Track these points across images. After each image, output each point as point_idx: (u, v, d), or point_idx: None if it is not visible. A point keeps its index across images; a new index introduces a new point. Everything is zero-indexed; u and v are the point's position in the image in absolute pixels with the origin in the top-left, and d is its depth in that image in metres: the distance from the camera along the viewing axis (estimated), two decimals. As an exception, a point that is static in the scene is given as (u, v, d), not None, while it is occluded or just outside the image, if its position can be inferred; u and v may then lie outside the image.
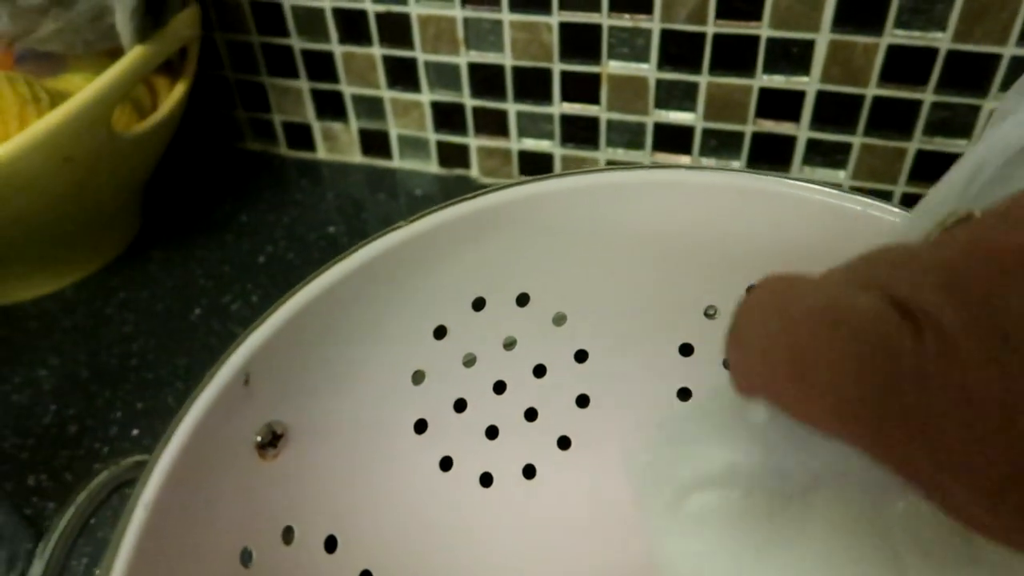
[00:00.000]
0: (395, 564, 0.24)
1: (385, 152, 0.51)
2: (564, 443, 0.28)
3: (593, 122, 0.47)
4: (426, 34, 0.45)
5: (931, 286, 0.13)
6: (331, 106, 0.50)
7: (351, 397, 0.24)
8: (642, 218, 0.26)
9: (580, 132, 0.47)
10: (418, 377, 0.25)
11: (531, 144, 0.49)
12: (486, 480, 0.27)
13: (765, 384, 0.14)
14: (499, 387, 0.27)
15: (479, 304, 0.26)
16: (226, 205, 0.49)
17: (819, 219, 0.25)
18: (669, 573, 0.18)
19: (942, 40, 0.39)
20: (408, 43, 0.46)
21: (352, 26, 0.46)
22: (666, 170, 0.26)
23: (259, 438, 0.21)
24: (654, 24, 0.42)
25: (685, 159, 0.47)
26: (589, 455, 0.28)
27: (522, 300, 0.27)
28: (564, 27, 0.43)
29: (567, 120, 0.47)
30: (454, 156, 0.50)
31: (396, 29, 0.46)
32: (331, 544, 0.23)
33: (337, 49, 0.47)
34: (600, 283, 0.27)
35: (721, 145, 0.46)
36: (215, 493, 0.19)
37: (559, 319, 0.27)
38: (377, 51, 0.47)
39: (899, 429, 0.13)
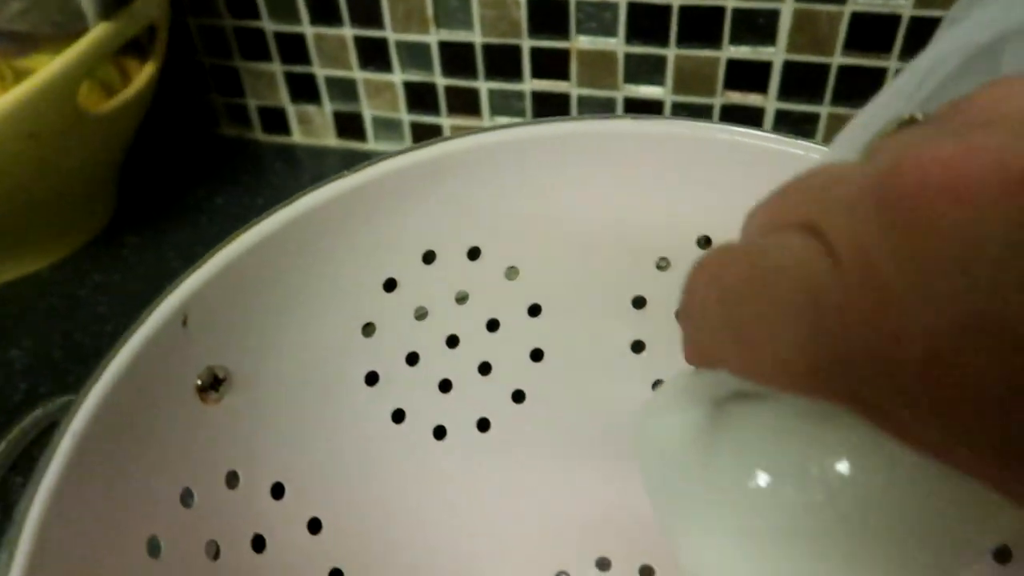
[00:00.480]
0: (345, 514, 0.24)
1: (359, 134, 0.52)
2: (518, 396, 0.28)
3: (564, 98, 0.47)
4: (396, 13, 0.46)
5: (852, 209, 0.12)
6: (305, 89, 0.50)
7: (299, 346, 0.24)
8: (591, 170, 0.26)
9: (551, 109, 0.48)
10: (368, 329, 0.26)
11: (504, 121, 0.49)
12: (439, 433, 0.27)
13: (712, 354, 0.14)
14: (452, 341, 0.27)
15: (429, 257, 0.26)
16: (201, 189, 0.49)
17: (761, 165, 0.25)
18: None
19: (905, 7, 0.39)
20: (379, 23, 0.46)
21: (323, 7, 0.46)
22: (612, 120, 0.26)
23: (200, 381, 0.21)
24: (620, -2, 0.42)
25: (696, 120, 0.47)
26: (544, 408, 0.28)
27: (473, 254, 0.27)
28: (532, 2, 0.44)
29: (538, 97, 0.47)
30: (427, 136, 0.50)
31: (366, 9, 0.46)
32: (278, 491, 0.23)
33: (309, 31, 0.48)
34: (552, 237, 0.27)
35: (691, 118, 0.46)
36: (152, 430, 0.19)
37: (511, 273, 0.28)
38: (348, 32, 0.47)
39: (839, 374, 0.12)
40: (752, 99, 0.44)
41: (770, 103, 0.44)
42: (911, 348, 0.11)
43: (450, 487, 0.26)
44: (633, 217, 0.27)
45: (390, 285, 0.26)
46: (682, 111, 0.46)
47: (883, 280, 0.11)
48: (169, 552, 0.19)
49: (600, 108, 0.47)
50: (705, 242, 0.27)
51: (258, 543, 0.22)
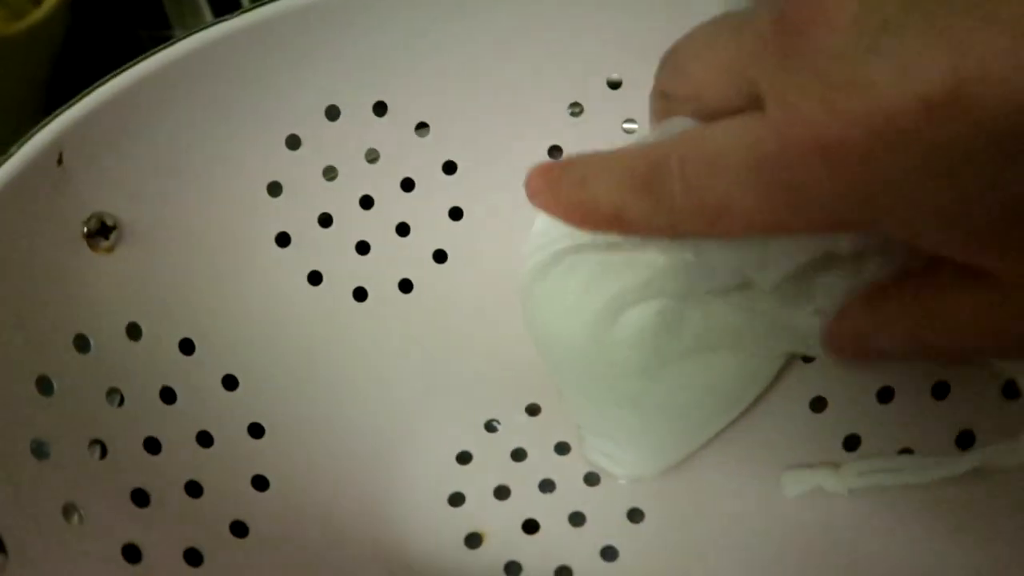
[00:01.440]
0: (264, 372, 0.24)
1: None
2: (440, 256, 0.27)
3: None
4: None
5: (760, 57, 0.14)
6: None
7: (201, 201, 0.23)
8: (498, 17, 0.26)
9: None
10: (274, 189, 0.25)
11: None
12: (360, 295, 0.26)
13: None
14: (366, 202, 0.26)
15: (333, 113, 0.25)
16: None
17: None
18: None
19: None
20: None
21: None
22: (509, -42, 0.25)
23: (86, 229, 0.20)
24: None
25: None
26: (466, 267, 0.27)
27: (379, 109, 0.26)
28: None
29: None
30: None
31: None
32: (187, 346, 0.23)
33: None
34: (462, 88, 0.27)
35: None
36: (32, 270, 0.19)
37: (422, 130, 0.27)
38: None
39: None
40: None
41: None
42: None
43: (373, 347, 0.26)
44: (542, 65, 0.26)
45: (294, 142, 0.25)
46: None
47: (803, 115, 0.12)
48: (63, 393, 0.19)
49: None
50: (615, 85, 0.27)
51: (167, 395, 0.22)
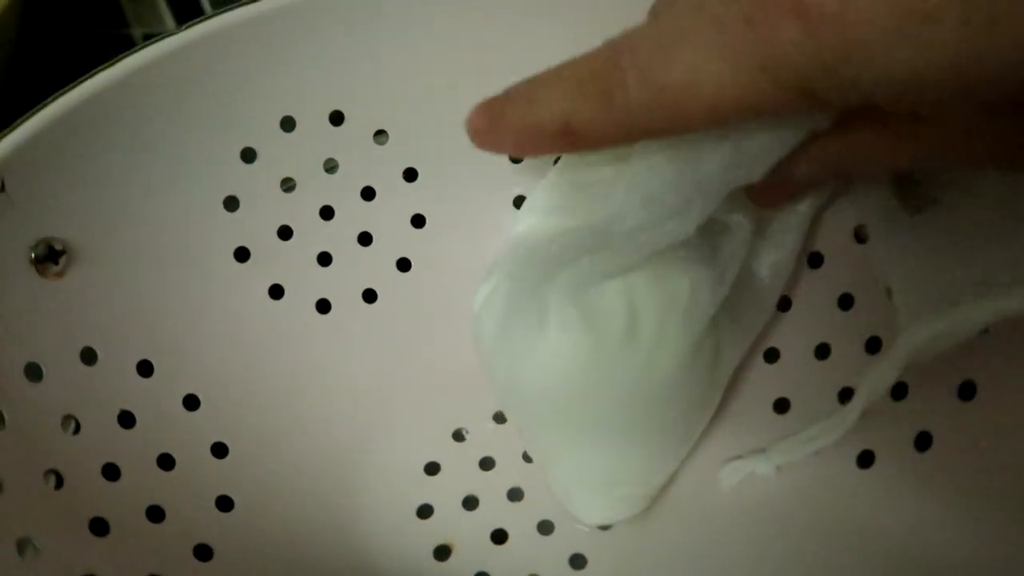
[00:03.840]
0: (225, 390, 0.24)
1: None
2: (404, 265, 0.27)
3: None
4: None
5: None
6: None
7: (153, 220, 0.23)
8: (453, 20, 0.25)
9: None
10: (231, 203, 0.25)
11: None
12: (323, 307, 0.26)
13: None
14: (326, 212, 0.26)
15: (288, 124, 0.25)
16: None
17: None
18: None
19: None
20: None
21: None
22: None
23: (34, 254, 0.20)
24: None
25: None
26: (431, 274, 0.27)
27: (336, 119, 0.26)
28: None
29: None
30: None
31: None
32: (145, 368, 0.22)
33: None
34: (420, 95, 0.26)
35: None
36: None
37: (381, 137, 0.27)
38: None
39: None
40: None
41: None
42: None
43: (338, 359, 0.26)
44: (501, 68, 0.26)
45: (248, 155, 0.25)
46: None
47: None
48: (15, 424, 0.18)
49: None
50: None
51: (126, 419, 0.21)
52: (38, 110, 0.20)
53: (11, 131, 0.19)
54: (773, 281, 0.22)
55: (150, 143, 0.22)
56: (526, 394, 0.21)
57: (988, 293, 0.17)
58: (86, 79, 0.21)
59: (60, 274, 0.20)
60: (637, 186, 0.19)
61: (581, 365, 0.19)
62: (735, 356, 0.22)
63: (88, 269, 0.21)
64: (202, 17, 0.23)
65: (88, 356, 0.21)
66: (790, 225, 0.21)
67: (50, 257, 0.20)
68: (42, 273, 0.20)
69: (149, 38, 0.50)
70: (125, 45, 0.50)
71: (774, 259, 0.21)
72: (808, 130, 0.17)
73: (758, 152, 0.17)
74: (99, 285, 0.21)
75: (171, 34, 0.22)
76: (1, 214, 0.19)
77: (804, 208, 0.21)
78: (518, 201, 0.28)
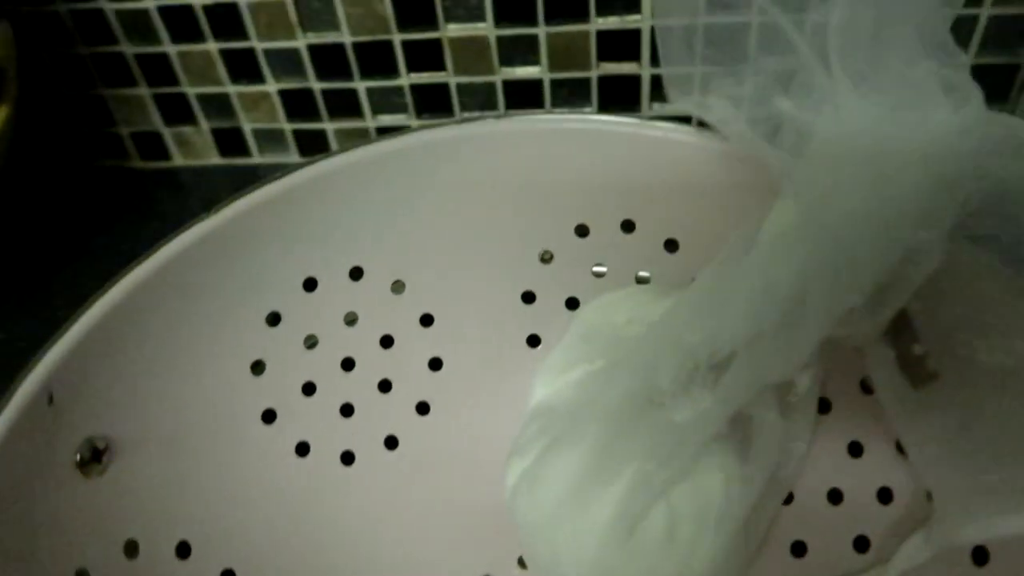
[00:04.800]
0: (259, 559, 0.24)
1: (242, 149, 0.50)
2: (423, 408, 0.28)
3: (443, 88, 0.46)
4: (259, 22, 0.44)
5: None
6: (178, 110, 0.48)
7: (185, 399, 0.23)
8: (461, 174, 0.26)
9: (433, 100, 0.47)
10: (258, 367, 0.25)
11: (388, 120, 0.48)
12: (347, 459, 0.27)
13: None
14: (347, 364, 0.27)
15: (311, 285, 0.26)
16: (83, 229, 0.47)
17: (626, 149, 0.25)
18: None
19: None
20: (243, 34, 0.45)
21: (182, 23, 0.45)
22: (474, 123, 0.26)
23: (78, 456, 0.20)
24: (483, -19, 0.42)
25: (540, 113, 0.47)
26: (449, 416, 0.28)
27: (355, 274, 0.26)
28: (395, -4, 0.43)
29: (418, 90, 0.47)
30: (313, 143, 0.49)
31: (227, 21, 0.44)
32: (184, 550, 0.23)
33: (171, 49, 0.46)
34: (433, 244, 0.27)
35: (571, 94, 0.46)
36: (33, 514, 0.19)
37: (398, 287, 0.27)
38: (213, 46, 0.45)
39: None
40: (626, 68, 0.44)
41: (644, 70, 0.44)
42: None
43: (365, 509, 0.26)
44: (510, 215, 0.27)
45: (274, 319, 0.25)
46: (561, 88, 0.46)
47: None
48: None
49: (480, 94, 0.46)
50: (583, 232, 0.27)
51: (166, 607, 0.22)
52: (80, 314, 0.20)
53: (56, 341, 0.20)
54: (786, 463, 0.23)
55: (181, 325, 0.23)
56: (566, 574, 0.22)
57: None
58: (122, 276, 0.21)
59: (102, 472, 0.21)
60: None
61: (619, 564, 0.20)
62: (758, 540, 0.23)
63: (126, 460, 0.22)
64: (226, 200, 0.23)
65: (131, 549, 0.21)
66: (795, 406, 0.22)
67: (94, 458, 0.21)
68: (86, 474, 0.20)
69: (137, 136, 0.51)
70: (115, 142, 0.50)
71: (784, 439, 0.23)
72: None
73: None
74: (138, 475, 0.22)
75: (202, 219, 0.23)
76: (50, 426, 0.19)
77: (805, 387, 0.22)
78: (532, 340, 0.29)
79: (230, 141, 0.50)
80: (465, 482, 0.27)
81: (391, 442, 0.27)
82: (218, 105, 0.48)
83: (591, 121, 0.26)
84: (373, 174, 0.25)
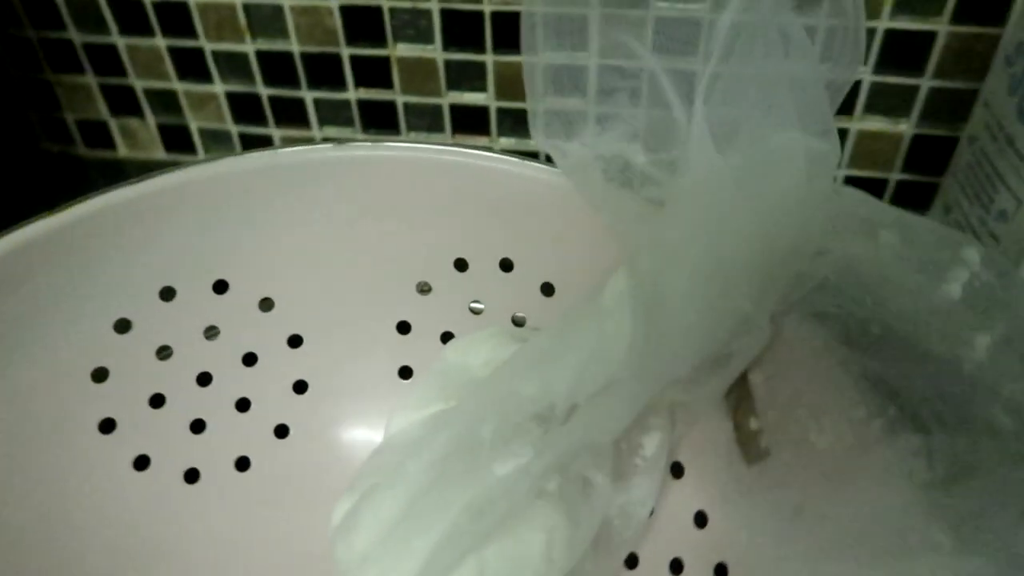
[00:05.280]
0: (82, 570, 0.23)
1: (188, 147, 0.50)
2: (281, 431, 0.27)
3: (390, 106, 0.46)
4: (208, 22, 0.44)
5: None
6: (125, 102, 0.48)
7: (15, 395, 0.22)
8: (335, 196, 0.26)
9: (380, 117, 0.46)
10: (100, 375, 0.24)
11: (334, 132, 0.47)
12: (191, 476, 0.26)
13: None
14: (203, 379, 0.26)
15: (168, 294, 0.25)
16: (20, 209, 0.47)
17: (508, 187, 0.25)
18: None
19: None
20: (192, 32, 0.44)
21: (131, 16, 0.44)
22: (349, 147, 0.25)
23: None
24: (433, 4, 0.41)
25: (483, 140, 0.46)
26: (308, 441, 0.27)
27: (220, 287, 0.26)
28: (345, 10, 0.42)
29: (364, 105, 0.46)
30: (258, 148, 0.49)
31: (177, 18, 0.44)
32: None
33: (120, 41, 0.45)
34: (306, 265, 0.26)
35: (517, 123, 0.45)
36: None
37: (266, 305, 0.27)
38: (161, 42, 0.45)
39: None
40: (571, 103, 0.44)
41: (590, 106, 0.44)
42: None
43: (206, 531, 0.25)
44: (388, 242, 0.26)
45: (123, 326, 0.25)
46: (507, 117, 0.45)
47: None
48: None
49: (427, 116, 0.46)
50: (462, 266, 0.27)
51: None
52: None
53: None
54: (624, 526, 0.22)
55: (22, 319, 0.22)
56: None
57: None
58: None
59: None
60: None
61: None
62: None
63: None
64: (75, 200, 0.23)
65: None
66: (639, 469, 0.21)
67: None
68: None
69: (82, 123, 0.50)
70: (60, 128, 0.50)
71: (623, 501, 0.22)
72: None
73: None
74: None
75: (44, 216, 0.22)
76: None
77: (653, 451, 0.21)
78: (404, 371, 0.28)
79: (176, 137, 0.49)
80: (313, 513, 0.26)
81: (242, 463, 0.27)
82: (165, 101, 0.47)
83: (473, 156, 0.25)
84: (241, 187, 0.25)
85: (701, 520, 0.23)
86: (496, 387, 0.21)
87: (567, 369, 0.20)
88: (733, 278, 0.18)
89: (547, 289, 0.26)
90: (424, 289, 0.27)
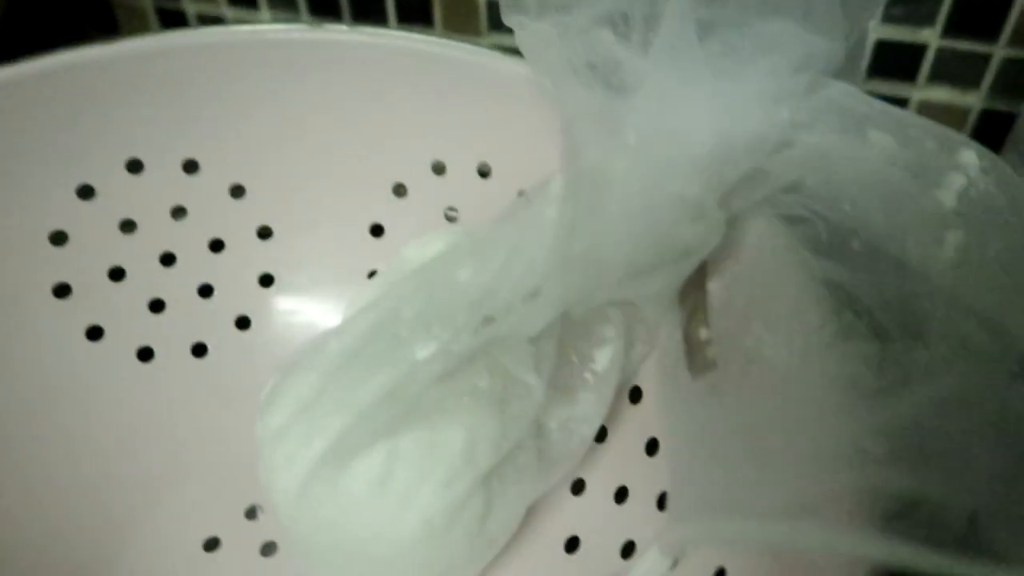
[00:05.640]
0: (31, 436, 0.23)
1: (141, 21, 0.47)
2: (243, 323, 0.26)
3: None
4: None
5: None
6: None
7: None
8: (315, 83, 0.24)
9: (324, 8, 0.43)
10: (59, 238, 0.24)
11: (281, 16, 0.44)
12: (145, 355, 0.25)
13: None
14: (167, 259, 0.25)
15: (135, 166, 0.24)
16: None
17: (483, 85, 0.23)
18: None
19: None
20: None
21: None
22: (323, 29, 0.24)
23: None
24: None
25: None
26: (270, 335, 0.26)
27: (190, 167, 0.25)
28: None
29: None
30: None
31: None
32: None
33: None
34: (284, 155, 0.26)
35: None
36: None
37: (237, 192, 0.26)
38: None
39: None
40: None
41: None
42: None
43: (156, 412, 0.25)
44: (364, 139, 0.25)
45: (86, 192, 0.24)
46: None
47: None
48: None
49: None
50: (439, 170, 0.25)
51: None
52: None
53: None
54: (564, 440, 0.20)
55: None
56: (278, 510, 0.20)
57: (741, 511, 0.15)
58: None
59: None
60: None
61: (328, 503, 0.19)
62: (525, 501, 0.21)
63: None
64: (39, 53, 0.22)
65: None
66: (588, 384, 0.20)
67: None
68: None
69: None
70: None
71: (567, 415, 0.20)
72: None
73: None
74: None
75: (6, 66, 0.22)
76: None
77: (604, 367, 0.20)
78: (372, 275, 0.27)
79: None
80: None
81: (199, 349, 0.26)
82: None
83: (457, 48, 0.23)
84: (218, 61, 0.24)
85: (652, 448, 0.21)
86: (429, 273, 0.20)
87: (503, 255, 0.18)
88: (682, 165, 0.16)
89: (524, 197, 0.24)
90: (400, 192, 0.26)
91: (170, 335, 0.26)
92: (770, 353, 0.17)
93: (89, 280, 0.25)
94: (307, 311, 0.27)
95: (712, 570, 0.17)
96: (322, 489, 0.19)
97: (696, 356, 0.18)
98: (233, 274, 0.26)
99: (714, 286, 0.18)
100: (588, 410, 0.20)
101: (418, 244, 0.23)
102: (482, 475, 0.19)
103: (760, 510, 0.15)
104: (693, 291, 0.19)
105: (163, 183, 0.25)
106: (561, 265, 0.17)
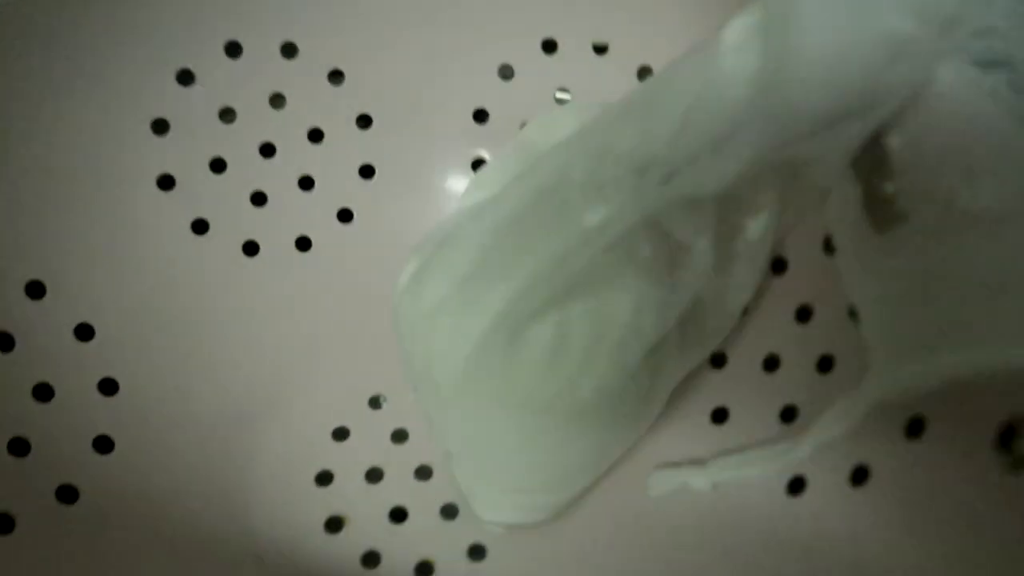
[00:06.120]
0: (126, 322, 0.22)
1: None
2: (345, 216, 0.25)
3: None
4: None
5: None
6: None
7: (68, 131, 0.21)
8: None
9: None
10: (160, 126, 0.23)
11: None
12: (250, 249, 0.24)
13: None
14: (267, 150, 0.24)
15: (234, 50, 0.23)
16: None
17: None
18: None
19: None
20: None
21: None
22: None
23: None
24: None
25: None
26: (373, 230, 0.26)
27: (288, 51, 0.24)
28: None
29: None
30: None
31: None
32: (36, 290, 0.21)
33: None
34: (379, 39, 0.24)
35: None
36: None
37: (336, 78, 0.25)
38: None
39: None
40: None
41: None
42: None
43: (258, 306, 0.24)
44: (469, 16, 0.24)
45: (185, 77, 0.23)
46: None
47: None
48: None
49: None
50: (550, 48, 0.24)
51: (5, 342, 0.20)
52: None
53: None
54: (718, 313, 0.20)
55: (71, 53, 0.21)
56: (439, 386, 0.19)
57: (965, 341, 0.15)
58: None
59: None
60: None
61: (497, 374, 0.18)
62: (677, 375, 0.20)
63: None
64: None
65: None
66: (740, 255, 0.19)
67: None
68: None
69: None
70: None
71: (720, 286, 0.20)
72: None
73: None
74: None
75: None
76: None
77: (757, 236, 0.19)
78: (477, 164, 0.26)
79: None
80: (376, 298, 0.25)
81: (303, 243, 0.25)
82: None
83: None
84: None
85: (804, 315, 0.21)
86: (585, 142, 0.19)
87: (672, 116, 0.17)
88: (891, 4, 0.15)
89: (645, 74, 0.23)
90: (506, 74, 0.25)
91: (274, 228, 0.25)
92: (971, 205, 0.16)
93: (191, 171, 0.23)
94: (411, 202, 0.26)
95: (851, 466, 0.17)
96: (493, 360, 0.18)
97: (883, 211, 0.17)
98: (333, 165, 0.25)
99: (893, 142, 0.18)
100: (741, 280, 0.20)
101: (542, 123, 0.22)
102: (650, 345, 0.18)
103: (980, 339, 0.14)
104: (866, 149, 0.18)
105: (261, 67, 0.24)
106: (755, 113, 0.16)
